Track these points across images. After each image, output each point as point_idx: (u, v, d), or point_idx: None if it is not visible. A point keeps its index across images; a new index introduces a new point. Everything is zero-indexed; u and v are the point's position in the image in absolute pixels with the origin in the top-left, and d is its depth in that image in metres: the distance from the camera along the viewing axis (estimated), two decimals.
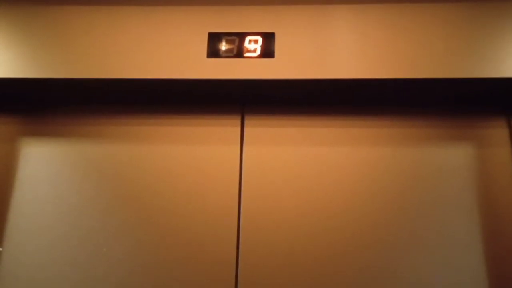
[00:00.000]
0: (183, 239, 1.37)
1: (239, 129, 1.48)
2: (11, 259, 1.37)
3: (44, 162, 1.47)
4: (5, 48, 1.42)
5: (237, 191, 1.41)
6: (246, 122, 1.49)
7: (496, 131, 1.43)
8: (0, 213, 1.42)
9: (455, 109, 1.47)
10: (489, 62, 1.33)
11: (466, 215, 1.36)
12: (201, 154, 1.45)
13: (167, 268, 1.34)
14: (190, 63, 1.38)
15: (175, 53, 1.39)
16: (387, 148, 1.44)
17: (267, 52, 1.38)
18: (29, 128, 1.52)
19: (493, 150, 1.42)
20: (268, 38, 1.40)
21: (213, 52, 1.39)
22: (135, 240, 1.37)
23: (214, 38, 1.41)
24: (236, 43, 1.40)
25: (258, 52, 1.39)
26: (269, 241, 1.35)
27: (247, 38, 1.40)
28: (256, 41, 1.39)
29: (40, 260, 1.37)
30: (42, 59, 1.41)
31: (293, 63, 1.37)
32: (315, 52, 1.38)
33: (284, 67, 1.37)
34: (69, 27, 1.44)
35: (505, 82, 1.34)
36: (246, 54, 1.39)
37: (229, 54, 1.39)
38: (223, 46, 1.40)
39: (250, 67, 1.37)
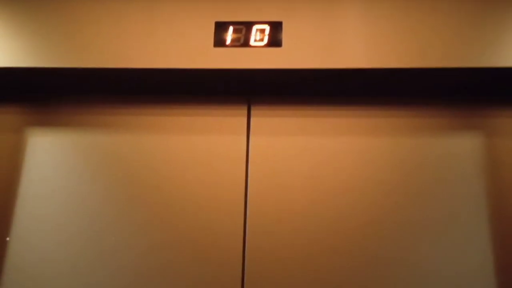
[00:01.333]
0: (190, 228, 1.37)
1: (245, 119, 1.48)
2: (18, 249, 1.38)
3: (51, 152, 1.47)
4: (12, 37, 1.42)
5: (243, 180, 1.41)
6: (252, 112, 1.48)
7: (505, 120, 1.42)
8: (8, 203, 1.42)
9: (463, 99, 1.46)
10: (497, 51, 1.32)
11: (474, 204, 1.35)
12: (207, 144, 1.45)
13: (173, 255, 1.34)
14: (197, 52, 1.38)
15: (181, 42, 1.39)
16: (395, 138, 1.43)
17: (275, 41, 1.37)
18: (36, 118, 1.52)
19: (501, 140, 1.41)
20: (276, 27, 1.39)
21: (219, 41, 1.38)
22: (142, 228, 1.37)
23: (220, 27, 1.40)
24: (243, 32, 1.39)
25: (265, 41, 1.38)
26: (276, 230, 1.35)
27: (254, 27, 1.39)
28: (263, 30, 1.38)
29: (48, 249, 1.37)
30: (49, 49, 1.40)
31: (301, 52, 1.36)
32: (323, 41, 1.37)
33: (291, 57, 1.36)
34: (76, 17, 1.43)
35: None
36: (253, 43, 1.38)
37: (236, 44, 1.38)
38: (230, 36, 1.39)
39: (257, 56, 1.37)
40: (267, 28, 1.39)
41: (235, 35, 1.39)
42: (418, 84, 1.43)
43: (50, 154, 1.47)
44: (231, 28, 1.39)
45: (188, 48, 1.38)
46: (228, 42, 1.38)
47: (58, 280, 1.34)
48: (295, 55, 1.36)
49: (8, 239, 1.39)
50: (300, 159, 1.42)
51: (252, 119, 1.47)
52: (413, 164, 1.40)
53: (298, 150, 1.43)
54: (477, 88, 1.43)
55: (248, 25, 1.40)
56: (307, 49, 1.36)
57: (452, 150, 1.41)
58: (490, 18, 1.35)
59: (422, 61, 1.33)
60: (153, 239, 1.36)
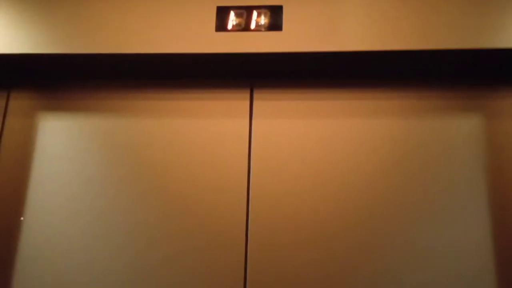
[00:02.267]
0: (193, 211, 1.40)
1: (248, 102, 1.50)
2: (32, 231, 1.44)
3: (62, 136, 1.52)
4: (22, 24, 1.46)
5: (246, 164, 1.44)
6: (255, 95, 1.51)
7: (505, 102, 1.41)
8: (21, 185, 1.48)
9: (463, 80, 1.45)
10: (498, 32, 1.31)
11: (474, 185, 1.36)
12: (210, 128, 1.48)
13: (179, 237, 1.39)
14: (199, 37, 1.40)
15: (183, 27, 1.41)
16: (396, 119, 1.44)
17: (275, 25, 1.39)
18: (47, 103, 1.56)
19: (501, 121, 1.40)
20: (276, 11, 1.40)
21: (221, 25, 1.40)
22: (150, 210, 1.42)
23: (222, 12, 1.41)
24: (244, 16, 1.40)
25: (266, 25, 1.39)
26: (278, 214, 1.38)
27: (255, 12, 1.41)
28: (264, 14, 1.40)
29: (60, 231, 1.43)
30: (59, 35, 1.44)
31: (301, 36, 1.37)
32: (323, 24, 1.38)
33: (292, 40, 1.37)
34: (83, 3, 1.47)
35: None
36: (254, 28, 1.40)
37: (238, 28, 1.40)
38: (232, 20, 1.41)
39: (258, 40, 1.38)
40: (267, 12, 1.40)
41: (237, 20, 1.41)
42: (419, 66, 1.43)
43: (61, 139, 1.52)
44: (232, 13, 1.41)
45: (191, 32, 1.40)
46: (229, 26, 1.40)
47: (70, 257, 1.40)
48: (295, 38, 1.37)
49: (22, 218, 1.45)
50: (302, 142, 1.44)
51: (254, 103, 1.50)
52: (414, 146, 1.41)
53: (300, 133, 1.45)
54: (478, 70, 1.43)
55: (249, 9, 1.41)
56: (307, 33, 1.37)
57: (452, 131, 1.41)
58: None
59: (422, 43, 1.33)
60: (159, 220, 1.41)
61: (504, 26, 1.31)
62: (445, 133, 1.41)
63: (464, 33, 1.32)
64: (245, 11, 1.41)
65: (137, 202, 1.43)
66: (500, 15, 1.32)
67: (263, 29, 1.39)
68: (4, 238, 1.43)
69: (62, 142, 1.52)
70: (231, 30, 1.40)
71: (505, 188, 1.35)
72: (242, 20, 1.40)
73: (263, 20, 1.39)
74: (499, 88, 1.43)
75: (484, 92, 1.44)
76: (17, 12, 1.48)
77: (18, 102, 1.57)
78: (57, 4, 1.47)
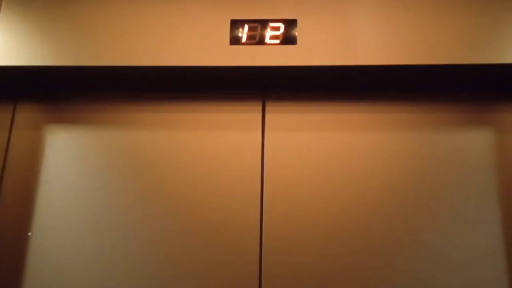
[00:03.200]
0: (206, 225, 1.39)
1: (260, 115, 1.50)
2: (40, 245, 1.41)
3: (69, 149, 1.50)
4: (29, 36, 1.44)
5: (259, 177, 1.43)
6: (267, 108, 1.51)
7: None
8: (28, 199, 1.45)
9: (473, 94, 1.48)
10: (507, 47, 1.33)
11: (484, 199, 1.38)
12: (223, 141, 1.48)
13: (191, 252, 1.37)
14: (213, 50, 1.40)
15: (197, 40, 1.41)
16: (407, 133, 1.46)
17: (289, 39, 1.39)
18: (53, 116, 1.54)
19: (510, 135, 1.43)
20: (290, 25, 1.40)
21: (235, 39, 1.41)
22: (160, 225, 1.40)
23: (236, 25, 1.42)
24: (258, 30, 1.41)
25: (280, 39, 1.40)
26: (292, 226, 1.38)
27: (269, 25, 1.41)
28: (278, 28, 1.40)
29: (68, 245, 1.40)
30: (66, 47, 1.42)
31: (315, 49, 1.38)
32: (337, 38, 1.39)
33: (306, 54, 1.38)
34: (92, 15, 1.45)
35: None
36: (268, 41, 1.40)
37: (252, 41, 1.40)
38: (245, 33, 1.41)
39: (272, 54, 1.39)
40: (282, 26, 1.41)
41: (250, 33, 1.41)
42: (430, 80, 1.45)
43: (69, 151, 1.50)
44: (246, 26, 1.41)
45: (205, 46, 1.40)
46: (243, 40, 1.40)
47: (79, 272, 1.37)
48: (309, 52, 1.38)
49: (30, 234, 1.42)
50: (314, 155, 1.45)
51: (267, 116, 1.50)
52: (424, 159, 1.42)
53: (312, 146, 1.46)
54: (487, 84, 1.45)
55: (263, 23, 1.42)
56: (321, 47, 1.38)
57: (461, 145, 1.43)
58: (501, 15, 1.37)
59: (434, 58, 1.35)
60: (171, 235, 1.39)
61: None
62: (454, 146, 1.43)
63: (476, 48, 1.34)
64: (259, 25, 1.41)
65: (147, 216, 1.41)
66: (509, 30, 1.35)
67: (277, 43, 1.39)
68: (11, 254, 1.40)
69: (69, 155, 1.49)
70: (245, 43, 1.40)
71: None
72: (256, 34, 1.40)
73: (277, 34, 1.40)
74: (507, 102, 1.46)
75: (493, 106, 1.47)
76: (23, 24, 1.45)
77: (25, 115, 1.54)
78: (65, 16, 1.45)
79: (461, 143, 1.43)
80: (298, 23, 1.41)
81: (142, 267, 1.37)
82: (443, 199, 1.38)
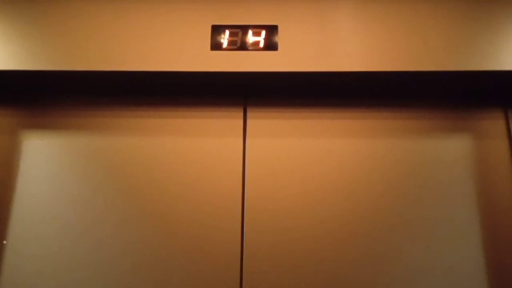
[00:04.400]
0: (187, 231, 1.38)
1: (241, 121, 1.49)
2: (14, 252, 1.37)
3: (45, 155, 1.47)
4: (6, 40, 1.41)
5: (240, 183, 1.43)
6: (248, 114, 1.50)
7: (493, 123, 1.47)
8: (3, 206, 1.42)
9: (453, 102, 1.50)
10: (487, 55, 1.36)
11: (464, 206, 1.40)
12: (204, 146, 1.46)
13: (171, 259, 1.36)
14: (194, 55, 1.39)
15: (178, 45, 1.40)
16: (387, 140, 1.47)
17: (271, 44, 1.39)
18: (30, 121, 1.51)
19: (490, 142, 1.45)
20: (272, 31, 1.40)
21: (216, 44, 1.40)
22: (138, 232, 1.38)
23: (217, 31, 1.41)
24: (240, 35, 1.40)
25: (262, 44, 1.40)
26: (273, 231, 1.37)
27: (250, 31, 1.41)
28: (259, 34, 1.40)
29: (44, 253, 1.37)
30: (44, 51, 1.40)
31: (296, 55, 1.38)
32: (318, 45, 1.39)
33: (287, 60, 1.38)
34: (71, 19, 1.43)
35: (502, 75, 1.37)
36: (250, 47, 1.40)
37: (233, 47, 1.40)
38: (227, 39, 1.40)
39: (254, 59, 1.38)
40: (263, 31, 1.40)
41: (232, 39, 1.40)
42: (410, 87, 1.46)
43: (45, 157, 1.47)
44: (227, 32, 1.41)
45: (185, 51, 1.39)
46: (225, 45, 1.40)
47: (55, 281, 1.34)
48: (291, 58, 1.38)
49: (5, 242, 1.38)
50: (296, 161, 1.45)
51: (248, 121, 1.49)
52: (406, 166, 1.44)
53: (294, 152, 1.46)
54: (467, 91, 1.48)
55: (244, 29, 1.41)
56: (302, 53, 1.38)
57: (442, 152, 1.45)
58: (480, 23, 1.39)
59: (414, 65, 1.36)
60: (150, 242, 1.37)
61: (494, 49, 1.36)
62: (436, 153, 1.45)
63: (455, 55, 1.36)
64: (240, 31, 1.41)
65: (124, 222, 1.39)
66: (491, 39, 1.37)
67: (258, 49, 1.39)
68: None
69: (46, 161, 1.46)
70: (226, 49, 1.40)
71: (494, 207, 1.39)
72: (237, 39, 1.40)
73: (258, 40, 1.40)
74: (488, 109, 1.48)
75: (474, 113, 1.49)
76: None
77: (0, 120, 1.50)
78: (42, 20, 1.43)
79: (443, 150, 1.45)
80: (279, 29, 1.41)
81: (118, 274, 1.34)
82: (425, 205, 1.40)
